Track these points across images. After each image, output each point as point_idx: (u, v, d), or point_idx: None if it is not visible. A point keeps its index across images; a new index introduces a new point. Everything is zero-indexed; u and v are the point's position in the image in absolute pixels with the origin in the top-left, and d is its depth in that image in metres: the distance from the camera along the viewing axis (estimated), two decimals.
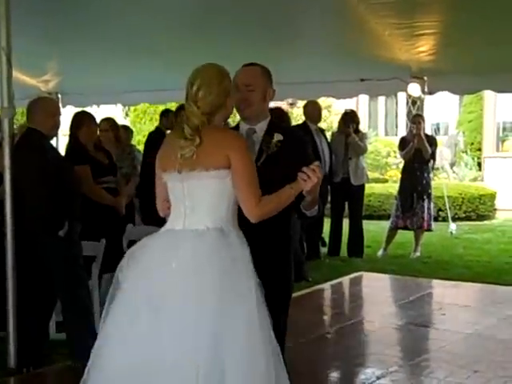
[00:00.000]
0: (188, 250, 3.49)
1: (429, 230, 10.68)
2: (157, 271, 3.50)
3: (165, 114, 9.90)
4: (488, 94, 21.75)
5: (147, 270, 3.53)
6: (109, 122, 8.27)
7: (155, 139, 9.52)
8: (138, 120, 21.54)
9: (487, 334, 6.83)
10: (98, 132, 8.11)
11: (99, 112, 15.42)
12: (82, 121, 6.86)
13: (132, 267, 3.59)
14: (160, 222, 8.44)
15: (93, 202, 6.61)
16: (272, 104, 12.46)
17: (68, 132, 7.01)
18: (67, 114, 7.22)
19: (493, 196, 16.17)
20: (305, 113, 9.85)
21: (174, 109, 9.94)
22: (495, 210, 16.19)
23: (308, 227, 9.65)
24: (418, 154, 10.42)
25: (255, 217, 3.56)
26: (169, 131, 9.53)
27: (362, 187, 10.74)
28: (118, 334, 3.47)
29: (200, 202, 3.58)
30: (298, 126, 10.12)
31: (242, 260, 3.46)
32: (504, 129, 24.84)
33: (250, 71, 4.12)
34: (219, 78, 3.71)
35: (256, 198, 3.51)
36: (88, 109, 11.02)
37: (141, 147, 10.61)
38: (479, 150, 24.20)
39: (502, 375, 5.60)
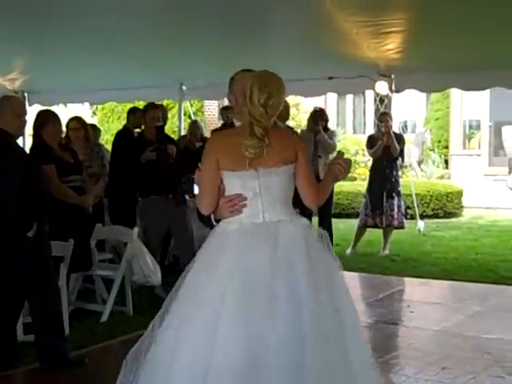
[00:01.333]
0: (286, 238, 3.74)
1: (400, 227, 10.73)
2: (260, 262, 3.64)
3: (132, 112, 9.82)
4: (454, 92, 21.97)
5: (250, 262, 3.64)
6: (78, 120, 8.21)
7: (123, 138, 9.46)
8: (106, 119, 21.40)
9: (455, 330, 6.87)
10: (68, 131, 8.06)
11: (66, 111, 15.32)
12: (46, 120, 6.78)
13: (224, 264, 3.67)
14: (129, 221, 8.42)
15: (59, 201, 6.55)
16: None
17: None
18: (34, 113, 7.13)
19: (460, 193, 16.30)
20: None
21: (141, 107, 9.86)
22: (462, 207, 16.32)
23: None
24: (386, 151, 10.45)
25: (317, 204, 4.11)
26: (137, 130, 9.48)
27: None
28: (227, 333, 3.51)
29: (275, 196, 3.84)
30: None
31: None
32: (470, 126, 25.07)
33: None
34: (283, 88, 3.98)
35: (317, 187, 3.99)
36: (55, 108, 10.95)
37: (109, 146, 10.52)
38: (446, 147, 24.41)
39: (470, 371, 5.64)
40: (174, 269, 8.80)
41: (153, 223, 7.83)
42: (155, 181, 7.74)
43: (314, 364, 3.52)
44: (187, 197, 8.15)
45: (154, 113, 8.02)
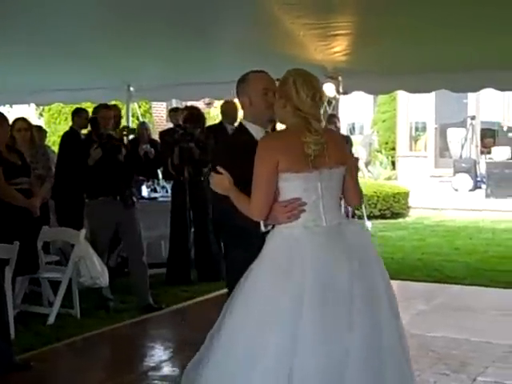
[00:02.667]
0: (355, 240, 3.69)
1: None
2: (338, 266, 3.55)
3: (77, 113, 9.75)
4: (401, 95, 22.25)
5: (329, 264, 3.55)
6: (24, 121, 8.10)
7: (69, 140, 9.39)
8: (53, 120, 21.15)
9: None
10: (13, 132, 7.92)
11: (12, 112, 15.12)
12: None
13: (301, 269, 3.53)
14: (76, 223, 8.34)
15: (5, 203, 6.48)
16: (189, 103, 12.44)
17: None
18: None
19: (406, 194, 16.50)
20: (221, 112, 9.85)
21: (89, 108, 9.79)
22: (408, 208, 16.52)
23: None
24: None
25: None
26: (84, 131, 9.42)
27: None
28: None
29: (334, 197, 3.78)
30: (214, 125, 10.12)
31: None
32: (416, 128, 25.43)
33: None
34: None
35: (361, 191, 3.98)
36: (0, 109, 10.81)
37: (56, 148, 10.42)
38: (393, 149, 24.70)
39: (415, 368, 5.63)
40: (121, 270, 8.78)
41: (100, 225, 7.78)
42: (103, 182, 7.69)
43: (394, 376, 3.61)
44: (134, 198, 8.11)
45: (104, 113, 7.96)
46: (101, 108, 8.10)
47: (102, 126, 7.88)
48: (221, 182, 3.81)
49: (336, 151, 3.75)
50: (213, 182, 3.87)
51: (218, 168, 3.81)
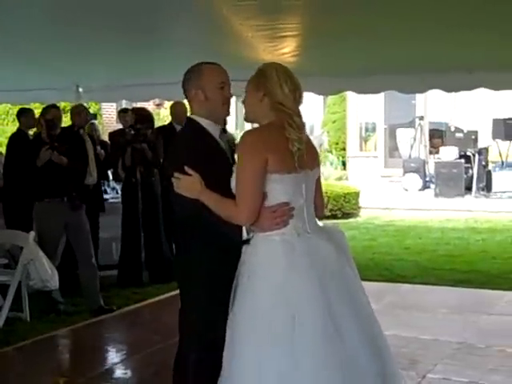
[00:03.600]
0: (341, 245, 3.64)
1: None
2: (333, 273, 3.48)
3: (23, 113, 9.65)
4: (351, 96, 22.42)
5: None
6: None
7: (17, 140, 9.28)
8: (0, 121, 20.88)
9: None
10: None
11: None
12: None
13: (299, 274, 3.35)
14: (24, 225, 8.25)
15: None
16: (139, 104, 12.38)
17: None
18: None
19: (357, 194, 16.62)
20: (171, 113, 9.83)
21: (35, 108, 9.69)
22: (359, 207, 16.65)
23: None
24: None
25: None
26: (31, 131, 9.32)
27: None
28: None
29: (311, 202, 3.58)
30: (163, 126, 10.10)
31: None
32: (366, 129, 25.64)
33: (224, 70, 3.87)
34: None
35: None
36: None
37: (3, 149, 10.29)
38: (344, 149, 24.88)
39: None
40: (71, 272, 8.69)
41: (48, 227, 7.70)
42: (50, 183, 7.61)
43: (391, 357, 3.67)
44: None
45: (54, 113, 7.89)
46: (50, 108, 8.03)
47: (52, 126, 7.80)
48: (191, 184, 3.42)
49: (312, 152, 3.57)
50: (181, 185, 3.45)
51: (187, 169, 3.43)
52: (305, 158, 3.44)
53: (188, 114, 3.91)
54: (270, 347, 3.24)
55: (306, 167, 3.46)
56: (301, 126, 3.50)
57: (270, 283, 3.32)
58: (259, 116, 3.59)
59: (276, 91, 3.48)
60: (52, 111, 7.92)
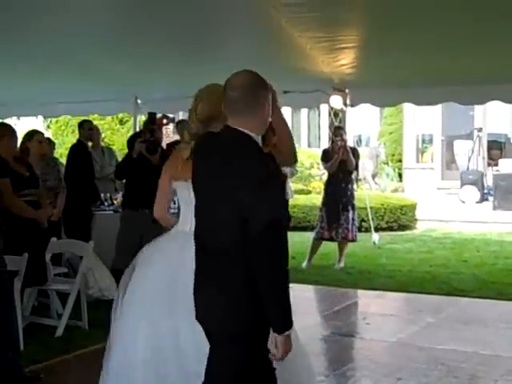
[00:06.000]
0: None
1: (353, 240, 10.79)
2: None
3: (81, 125, 9.80)
4: (407, 107, 22.25)
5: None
6: (42, 134, 8.11)
7: (77, 152, 9.42)
8: (60, 132, 21.25)
9: (410, 342, 6.94)
10: (32, 143, 7.90)
11: (19, 124, 15.17)
12: (2, 133, 6.71)
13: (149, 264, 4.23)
14: (84, 235, 8.33)
15: (14, 215, 6.50)
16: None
17: None
18: None
19: (413, 206, 16.48)
20: None
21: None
22: (416, 220, 16.49)
23: None
24: (342, 165, 10.51)
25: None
26: (90, 143, 9.45)
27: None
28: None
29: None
30: None
31: None
32: (423, 141, 25.41)
33: None
34: (214, 96, 3.95)
35: None
36: (8, 121, 10.85)
37: (63, 160, 10.46)
38: (400, 161, 24.69)
39: (424, 382, 5.70)
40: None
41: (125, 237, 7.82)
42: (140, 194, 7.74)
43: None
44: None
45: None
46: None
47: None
48: None
49: None
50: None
51: None
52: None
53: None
54: None
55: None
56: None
57: None
58: None
59: None
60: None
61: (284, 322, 3.12)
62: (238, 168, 3.15)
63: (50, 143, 9.93)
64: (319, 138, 26.67)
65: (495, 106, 18.57)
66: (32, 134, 7.79)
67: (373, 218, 13.87)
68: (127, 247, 7.66)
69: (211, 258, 3.25)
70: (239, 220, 3.07)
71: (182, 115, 16.43)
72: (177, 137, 10.99)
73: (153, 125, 7.95)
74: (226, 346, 3.23)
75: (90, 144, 9.67)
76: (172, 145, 9.98)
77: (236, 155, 3.21)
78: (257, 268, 3.04)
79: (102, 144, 12.04)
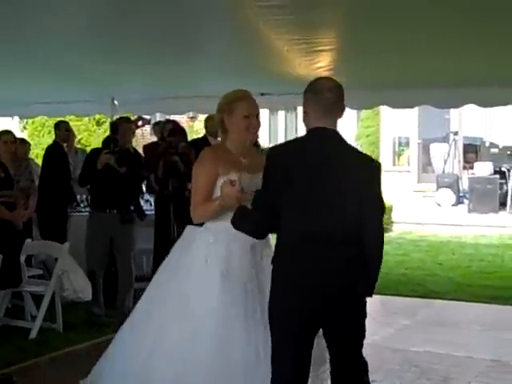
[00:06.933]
0: None
1: None
2: None
3: (57, 126, 9.76)
4: (384, 110, 22.34)
5: None
6: (10, 134, 8.04)
7: (53, 153, 9.37)
8: (37, 133, 21.10)
9: (384, 344, 6.97)
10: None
11: None
12: None
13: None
14: (59, 236, 8.30)
15: None
16: (172, 117, 12.42)
17: None
18: None
19: (390, 209, 16.54)
20: (205, 127, 9.86)
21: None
22: (392, 222, 16.57)
23: None
24: None
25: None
26: (65, 144, 9.41)
27: None
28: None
29: None
30: (198, 139, 10.13)
31: None
32: (400, 144, 25.52)
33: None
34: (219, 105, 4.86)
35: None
36: None
37: (39, 161, 10.41)
38: None
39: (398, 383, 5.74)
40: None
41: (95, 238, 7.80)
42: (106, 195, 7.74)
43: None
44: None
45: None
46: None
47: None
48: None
49: None
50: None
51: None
52: None
53: None
54: None
55: None
56: None
57: None
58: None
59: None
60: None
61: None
62: (360, 165, 3.89)
63: (24, 144, 9.87)
64: None
65: (471, 110, 18.69)
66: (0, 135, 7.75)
67: None
68: (98, 248, 7.68)
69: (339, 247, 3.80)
70: (360, 211, 3.75)
71: (158, 117, 16.41)
72: (154, 138, 10.94)
73: (115, 134, 7.99)
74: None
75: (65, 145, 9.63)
76: (149, 147, 9.98)
77: (352, 154, 3.95)
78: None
79: (78, 146, 12.00)
